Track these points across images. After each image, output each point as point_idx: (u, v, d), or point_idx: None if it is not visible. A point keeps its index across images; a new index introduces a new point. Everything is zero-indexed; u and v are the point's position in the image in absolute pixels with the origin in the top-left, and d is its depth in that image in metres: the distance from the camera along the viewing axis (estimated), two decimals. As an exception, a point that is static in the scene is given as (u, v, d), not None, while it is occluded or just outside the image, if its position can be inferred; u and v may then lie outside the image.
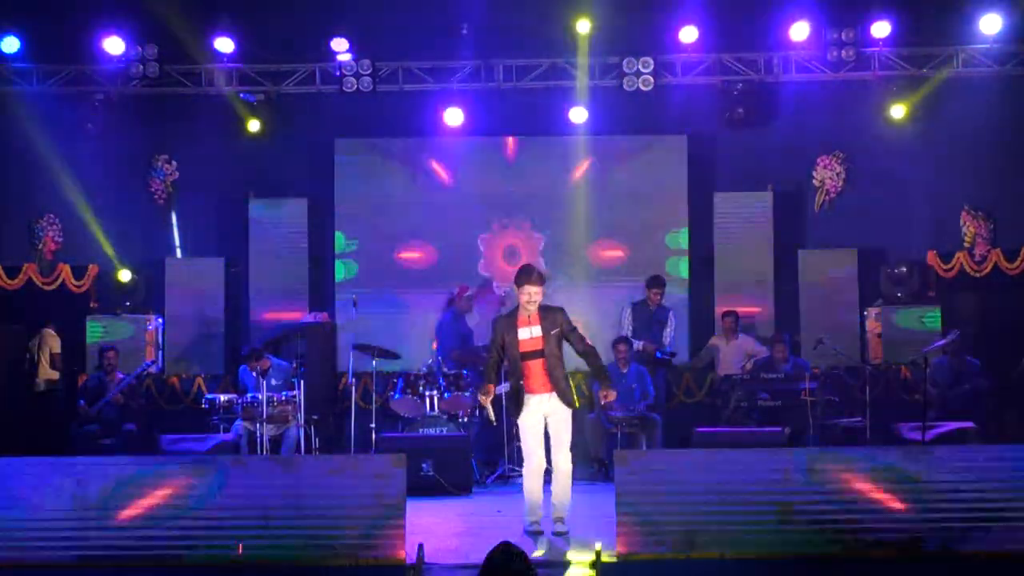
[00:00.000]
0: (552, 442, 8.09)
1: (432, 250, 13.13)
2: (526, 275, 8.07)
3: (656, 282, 12.03)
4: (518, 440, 10.81)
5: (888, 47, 12.56)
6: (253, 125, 12.83)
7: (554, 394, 8.04)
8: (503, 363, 8.22)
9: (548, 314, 8.08)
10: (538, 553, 7.59)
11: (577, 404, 8.18)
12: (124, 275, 12.56)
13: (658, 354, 11.79)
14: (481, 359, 11.57)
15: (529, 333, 8.04)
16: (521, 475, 10.52)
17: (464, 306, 12.21)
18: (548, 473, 8.21)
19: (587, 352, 8.22)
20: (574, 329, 8.18)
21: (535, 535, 7.99)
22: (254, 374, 10.79)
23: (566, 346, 8.19)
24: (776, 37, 12.60)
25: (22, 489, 7.23)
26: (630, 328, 11.91)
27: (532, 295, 8.00)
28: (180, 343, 12.79)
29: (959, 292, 12.54)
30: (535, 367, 8.04)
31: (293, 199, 13.07)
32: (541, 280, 8.09)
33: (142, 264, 12.87)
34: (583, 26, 12.32)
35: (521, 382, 8.07)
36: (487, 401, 8.21)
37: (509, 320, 8.16)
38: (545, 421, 8.09)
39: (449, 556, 7.30)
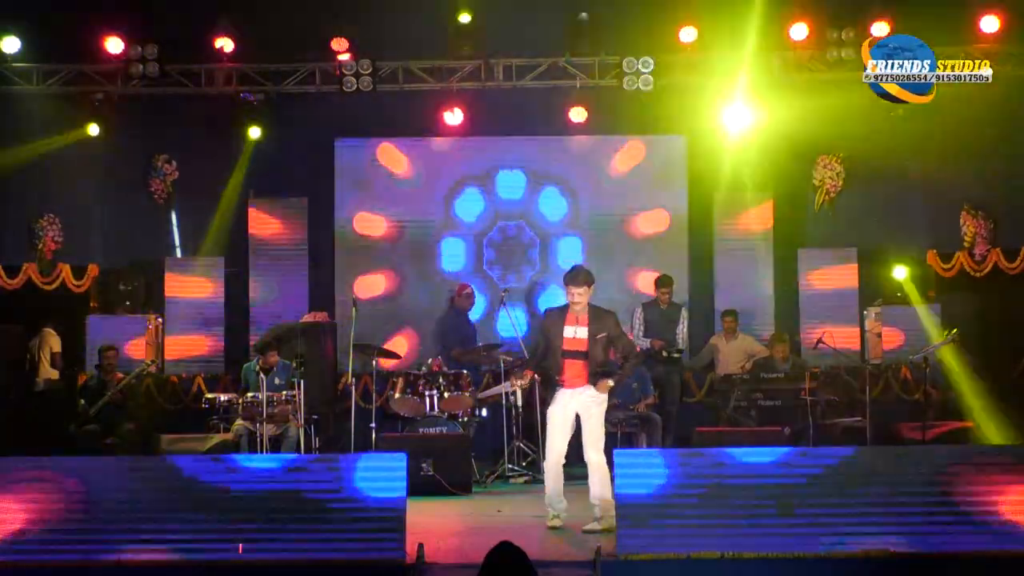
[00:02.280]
0: (584, 439, 8.14)
1: (432, 250, 13.14)
2: (571, 276, 8.17)
3: (665, 281, 12.01)
4: (518, 440, 10.92)
5: (888, 47, 12.55)
6: (253, 126, 12.82)
7: (588, 387, 8.10)
8: (546, 355, 8.30)
9: (598, 317, 8.17)
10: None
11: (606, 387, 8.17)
12: (124, 284, 12.57)
13: (665, 353, 11.77)
14: (482, 358, 11.60)
15: (574, 332, 8.14)
16: (521, 475, 10.66)
17: (464, 304, 12.22)
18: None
19: (627, 355, 8.34)
20: (622, 335, 8.33)
21: (555, 529, 8.12)
22: (257, 369, 10.77)
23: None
24: (775, 37, 12.58)
25: (22, 488, 7.24)
26: (642, 328, 11.89)
27: (575, 295, 8.10)
28: (180, 343, 12.79)
29: (959, 292, 12.53)
30: (575, 366, 8.14)
31: (293, 199, 13.07)
32: (586, 281, 8.13)
33: (142, 264, 12.87)
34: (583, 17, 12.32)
35: (557, 376, 8.17)
36: (516, 384, 8.50)
37: (558, 315, 8.25)
38: (576, 417, 8.17)
39: (449, 556, 7.30)
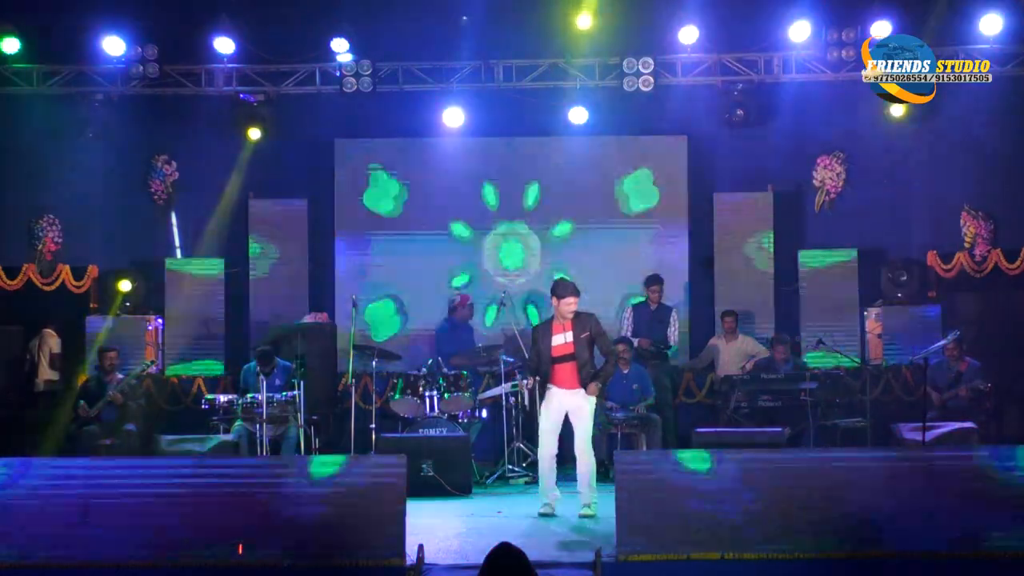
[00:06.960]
0: (576, 435, 8.90)
1: (432, 250, 13.13)
2: (564, 288, 8.97)
3: (654, 280, 12.02)
4: (518, 441, 10.95)
5: (888, 47, 12.54)
6: (253, 127, 12.81)
7: (579, 390, 8.87)
8: (539, 364, 9.06)
9: (580, 320, 8.98)
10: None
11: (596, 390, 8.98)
12: (124, 285, 12.55)
13: (652, 349, 11.76)
14: (480, 360, 11.60)
15: (563, 339, 8.93)
16: (521, 475, 10.71)
17: (465, 315, 12.20)
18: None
19: (608, 354, 9.15)
20: (602, 333, 9.11)
21: (547, 516, 8.76)
22: (257, 370, 10.77)
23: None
24: (776, 37, 12.58)
25: (23, 489, 7.23)
26: (631, 329, 11.91)
27: (571, 304, 8.90)
28: (180, 343, 12.78)
29: (959, 292, 12.52)
30: (565, 368, 8.92)
31: (293, 199, 13.07)
32: (575, 292, 8.97)
33: (142, 264, 12.87)
34: (584, 21, 12.27)
35: (549, 381, 8.95)
36: (525, 387, 9.72)
37: (545, 327, 9.09)
38: (567, 415, 8.93)
39: (449, 556, 7.31)
